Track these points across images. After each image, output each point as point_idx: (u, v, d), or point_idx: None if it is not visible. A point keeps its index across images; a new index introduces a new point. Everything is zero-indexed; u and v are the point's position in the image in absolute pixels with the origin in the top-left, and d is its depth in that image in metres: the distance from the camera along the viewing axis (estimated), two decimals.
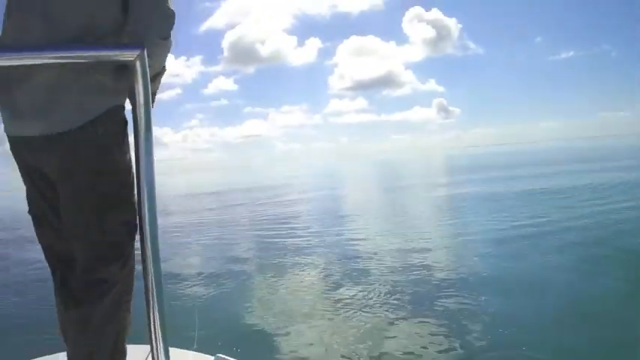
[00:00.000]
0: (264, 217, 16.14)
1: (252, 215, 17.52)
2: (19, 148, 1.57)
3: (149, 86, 1.00)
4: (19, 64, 0.95)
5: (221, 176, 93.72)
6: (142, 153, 1.00)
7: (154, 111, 1.06)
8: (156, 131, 1.32)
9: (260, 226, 14.09)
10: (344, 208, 18.79)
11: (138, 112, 1.01)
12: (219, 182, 58.05)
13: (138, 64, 0.98)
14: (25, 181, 1.64)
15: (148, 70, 0.99)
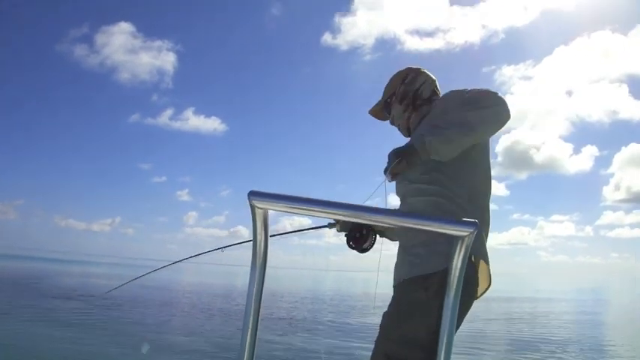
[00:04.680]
0: (520, 336, 14.85)
1: (507, 329, 16.29)
2: None
3: (466, 261, 1.07)
4: (396, 225, 1.14)
5: None
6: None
7: None
8: None
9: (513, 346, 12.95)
10: (607, 338, 16.15)
11: (452, 280, 1.09)
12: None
13: (465, 241, 1.05)
14: None
15: (470, 248, 1.05)
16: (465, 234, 1.04)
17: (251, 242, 1.13)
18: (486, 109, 1.93)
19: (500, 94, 2.00)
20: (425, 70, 2.36)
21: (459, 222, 1.05)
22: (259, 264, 1.16)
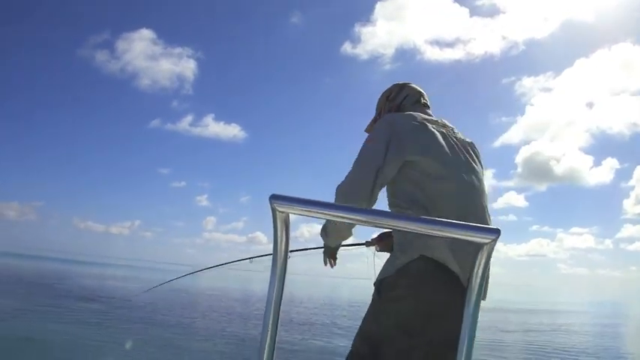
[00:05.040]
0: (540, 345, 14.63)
1: (525, 340, 16.07)
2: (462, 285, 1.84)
3: (489, 267, 1.07)
4: (421, 231, 1.09)
5: (501, 292, 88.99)
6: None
7: None
8: None
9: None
10: (626, 351, 15.83)
11: (473, 286, 1.09)
12: (497, 298, 54.97)
13: (487, 248, 1.04)
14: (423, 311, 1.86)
15: (491, 255, 1.05)
16: (487, 241, 1.03)
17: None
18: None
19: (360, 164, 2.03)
20: (410, 85, 2.41)
21: (480, 228, 1.05)
22: (279, 267, 1.17)
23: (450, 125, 2.22)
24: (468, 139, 2.23)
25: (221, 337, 11.91)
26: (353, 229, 2.17)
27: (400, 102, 2.35)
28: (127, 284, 30.43)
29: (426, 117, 2.15)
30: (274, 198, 1.09)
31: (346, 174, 2.00)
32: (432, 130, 2.08)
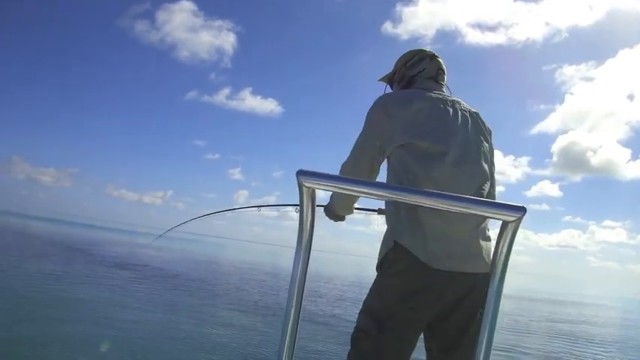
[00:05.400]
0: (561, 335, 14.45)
1: (550, 331, 15.88)
2: (446, 281, 1.85)
3: (512, 246, 1.05)
4: (443, 208, 1.09)
5: (528, 280, 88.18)
6: None
7: None
8: None
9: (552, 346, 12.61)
10: None
11: (497, 264, 1.06)
12: (525, 287, 54.45)
13: (512, 225, 1.03)
14: (424, 303, 1.88)
15: (516, 233, 1.04)
16: (512, 219, 1.02)
17: (287, 207, 1.15)
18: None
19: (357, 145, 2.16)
20: (433, 59, 2.29)
21: (505, 206, 1.03)
22: (305, 243, 1.18)
23: (453, 98, 2.14)
24: (473, 110, 2.15)
25: (253, 309, 12.17)
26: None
27: (415, 74, 2.27)
28: (157, 253, 31.08)
29: (426, 94, 2.09)
30: (301, 173, 1.10)
31: (348, 157, 2.15)
32: (427, 108, 2.02)
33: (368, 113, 2.10)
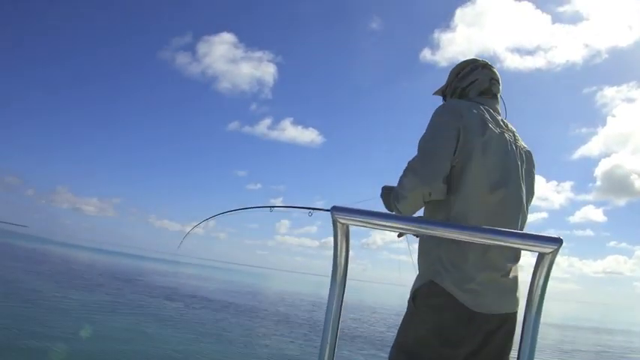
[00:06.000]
0: None
1: None
2: (482, 321, 1.78)
3: (549, 278, 1.03)
4: (477, 241, 1.08)
5: (573, 309, 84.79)
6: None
7: None
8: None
9: None
10: None
11: (533, 297, 1.04)
12: (571, 315, 52.31)
13: (549, 257, 1.01)
14: (458, 340, 1.80)
15: (553, 265, 1.02)
16: (549, 250, 1.01)
17: (300, 209, 1.14)
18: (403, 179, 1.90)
19: (427, 144, 1.88)
20: (485, 68, 2.17)
21: (541, 237, 1.02)
22: (339, 278, 1.17)
23: (512, 128, 2.04)
24: (527, 148, 2.06)
25: (287, 342, 12.09)
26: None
27: (466, 85, 2.15)
28: (202, 283, 31.35)
29: (489, 116, 1.94)
30: (335, 209, 1.11)
31: (417, 153, 1.88)
32: (495, 132, 1.90)
33: (439, 113, 1.93)
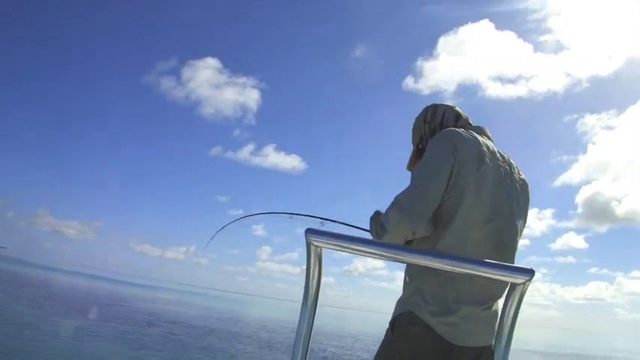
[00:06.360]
0: None
1: None
2: (459, 352, 1.75)
3: (519, 309, 1.02)
4: (449, 269, 1.07)
5: (555, 336, 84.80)
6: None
7: None
8: None
9: None
10: None
11: (503, 328, 1.03)
12: (553, 342, 52.27)
13: (520, 288, 1.00)
14: None
15: (524, 296, 1.01)
16: (520, 281, 1.00)
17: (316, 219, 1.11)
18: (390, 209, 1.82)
19: (419, 175, 1.84)
20: (442, 103, 2.19)
21: (514, 268, 1.02)
22: (310, 302, 1.15)
23: (508, 159, 2.00)
24: (523, 179, 2.02)
25: None
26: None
27: (441, 120, 2.13)
28: (183, 309, 30.85)
29: (485, 148, 1.90)
30: (310, 232, 1.09)
31: (407, 187, 1.83)
32: (490, 166, 1.87)
33: (435, 141, 1.90)
